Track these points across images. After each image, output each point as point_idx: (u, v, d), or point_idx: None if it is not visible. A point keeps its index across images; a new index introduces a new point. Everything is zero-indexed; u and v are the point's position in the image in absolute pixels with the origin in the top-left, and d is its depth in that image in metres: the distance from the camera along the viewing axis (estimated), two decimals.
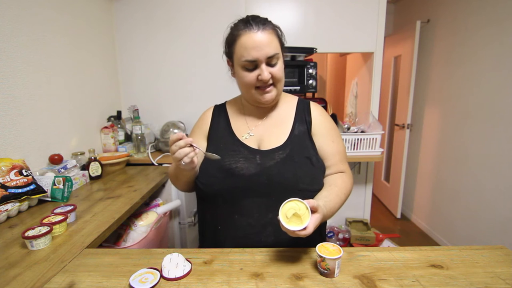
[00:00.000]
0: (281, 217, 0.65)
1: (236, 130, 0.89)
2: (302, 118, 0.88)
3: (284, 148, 0.82)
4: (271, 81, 0.80)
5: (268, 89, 0.81)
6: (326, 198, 0.76)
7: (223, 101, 0.99)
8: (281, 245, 0.76)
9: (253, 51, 0.75)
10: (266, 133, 0.87)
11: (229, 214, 0.80)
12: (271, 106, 0.90)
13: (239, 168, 0.79)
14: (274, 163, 0.79)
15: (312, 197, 0.86)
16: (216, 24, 2.04)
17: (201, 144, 0.91)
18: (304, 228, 0.62)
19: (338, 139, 0.89)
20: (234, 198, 0.79)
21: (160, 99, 2.15)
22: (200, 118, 0.96)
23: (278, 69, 0.79)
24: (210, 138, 0.90)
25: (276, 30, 0.80)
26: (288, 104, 0.92)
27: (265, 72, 0.77)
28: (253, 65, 0.77)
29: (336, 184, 0.82)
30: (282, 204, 0.66)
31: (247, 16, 0.80)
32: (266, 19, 0.80)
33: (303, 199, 0.65)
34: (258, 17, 0.79)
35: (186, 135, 2.13)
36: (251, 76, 0.78)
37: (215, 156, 0.76)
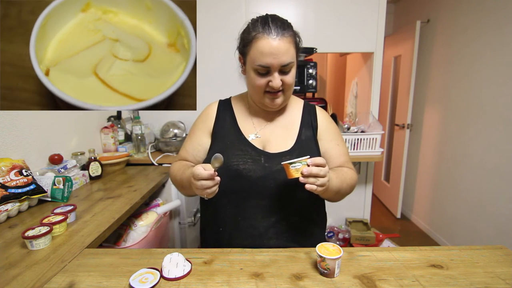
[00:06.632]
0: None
1: (243, 129, 0.88)
2: (309, 123, 0.89)
3: (291, 153, 0.82)
4: (281, 88, 0.78)
5: (277, 94, 0.79)
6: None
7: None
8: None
9: (268, 58, 0.72)
10: (272, 135, 0.87)
11: (232, 216, 0.80)
12: (279, 110, 0.90)
13: (246, 169, 0.79)
14: (281, 167, 0.79)
15: (318, 202, 0.87)
16: (216, 23, 2.02)
17: (205, 140, 0.89)
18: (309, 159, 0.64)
19: (342, 142, 0.91)
20: (239, 199, 0.79)
21: None
22: (204, 113, 0.94)
23: (290, 77, 0.77)
24: (215, 134, 0.89)
25: (295, 37, 0.77)
26: (295, 108, 0.92)
27: (276, 80, 0.75)
28: (266, 70, 0.75)
29: (337, 169, 0.83)
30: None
31: (267, 16, 0.77)
32: (286, 22, 0.76)
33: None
34: (278, 18, 0.76)
35: (186, 135, 2.09)
36: (262, 81, 0.76)
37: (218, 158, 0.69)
